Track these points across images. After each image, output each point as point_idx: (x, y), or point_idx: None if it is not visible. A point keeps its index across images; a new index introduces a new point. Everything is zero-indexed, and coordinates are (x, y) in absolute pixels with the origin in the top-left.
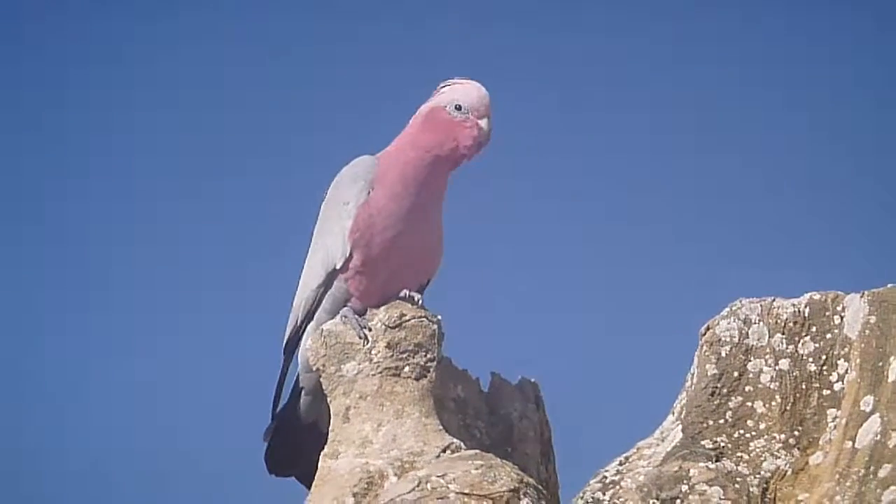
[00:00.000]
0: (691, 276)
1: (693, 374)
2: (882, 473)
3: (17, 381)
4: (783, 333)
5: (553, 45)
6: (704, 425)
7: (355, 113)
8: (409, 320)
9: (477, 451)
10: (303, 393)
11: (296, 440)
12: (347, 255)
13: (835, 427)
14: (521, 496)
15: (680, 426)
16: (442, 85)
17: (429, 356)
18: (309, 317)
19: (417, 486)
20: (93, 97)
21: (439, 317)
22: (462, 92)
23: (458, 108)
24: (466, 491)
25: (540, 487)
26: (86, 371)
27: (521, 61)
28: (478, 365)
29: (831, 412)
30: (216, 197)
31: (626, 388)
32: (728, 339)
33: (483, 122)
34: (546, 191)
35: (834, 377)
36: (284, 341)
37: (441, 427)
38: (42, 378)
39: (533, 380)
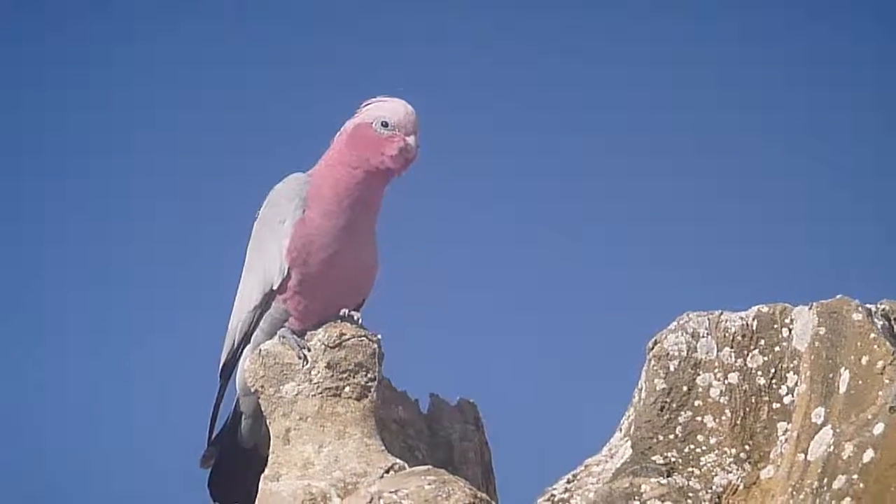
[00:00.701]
0: (636, 291)
1: (641, 389)
2: (836, 485)
3: (16, 380)
4: (731, 347)
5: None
6: (654, 440)
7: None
8: (349, 339)
9: (429, 466)
10: (242, 417)
11: (237, 466)
12: (285, 274)
13: (786, 440)
14: None
15: (629, 442)
16: (365, 102)
17: (370, 376)
18: (246, 339)
19: (370, 502)
20: (92, 97)
21: (379, 336)
22: (388, 109)
23: (385, 124)
24: None
25: (492, 502)
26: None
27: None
28: (414, 386)
29: (782, 425)
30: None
31: (571, 407)
32: (676, 353)
33: (410, 139)
34: (483, 202)
35: (783, 390)
36: (220, 365)
37: (384, 447)
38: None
39: (471, 400)
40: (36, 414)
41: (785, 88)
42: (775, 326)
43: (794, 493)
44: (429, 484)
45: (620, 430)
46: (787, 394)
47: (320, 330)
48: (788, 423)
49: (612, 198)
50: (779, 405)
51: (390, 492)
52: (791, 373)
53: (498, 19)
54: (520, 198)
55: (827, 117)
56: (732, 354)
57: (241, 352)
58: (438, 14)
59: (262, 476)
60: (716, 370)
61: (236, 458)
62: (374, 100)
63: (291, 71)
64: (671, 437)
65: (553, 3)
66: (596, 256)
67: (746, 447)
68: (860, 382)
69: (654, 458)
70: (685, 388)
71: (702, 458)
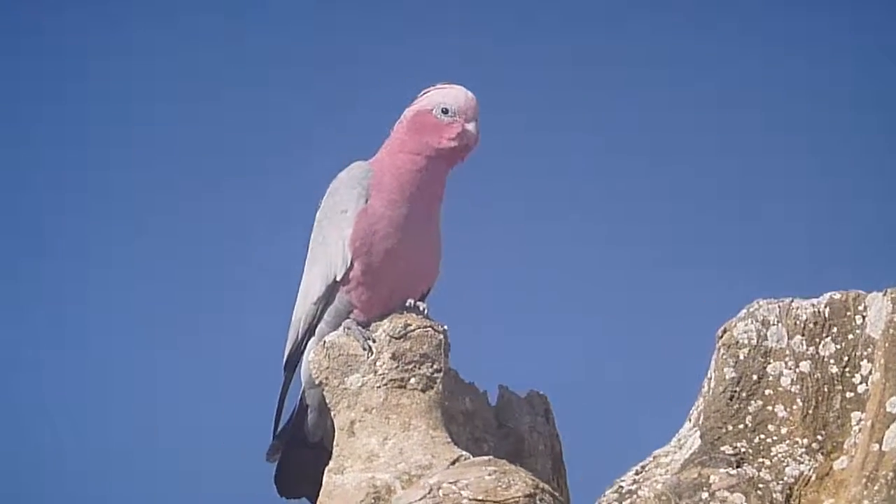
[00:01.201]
0: (705, 279)
1: (710, 379)
2: None
3: (16, 380)
4: (803, 335)
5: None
6: (723, 430)
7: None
8: (414, 330)
9: (490, 457)
10: (308, 410)
11: (304, 460)
12: (349, 265)
13: (859, 430)
14: (538, 501)
15: (698, 432)
16: (424, 90)
17: (435, 367)
18: (310, 331)
19: (429, 493)
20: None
21: (445, 326)
22: (448, 95)
23: (445, 111)
24: (480, 497)
25: (556, 494)
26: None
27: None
28: (482, 378)
29: (855, 415)
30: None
31: (640, 398)
32: (746, 342)
33: (471, 126)
34: (551, 193)
35: (857, 379)
36: (285, 358)
37: (450, 440)
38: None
39: (541, 392)
40: (94, 412)
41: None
42: (848, 314)
43: (869, 483)
44: (489, 474)
45: (690, 420)
46: (860, 382)
47: (385, 321)
48: (862, 412)
49: (684, 183)
50: (852, 394)
51: (450, 482)
52: (865, 361)
53: None
54: (588, 184)
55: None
56: (804, 342)
57: (306, 344)
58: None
59: (327, 469)
60: (787, 358)
61: (302, 451)
62: (433, 87)
63: (292, 70)
64: (741, 426)
65: None
66: (666, 244)
67: (819, 437)
68: None
69: (723, 448)
70: (755, 377)
71: (773, 449)
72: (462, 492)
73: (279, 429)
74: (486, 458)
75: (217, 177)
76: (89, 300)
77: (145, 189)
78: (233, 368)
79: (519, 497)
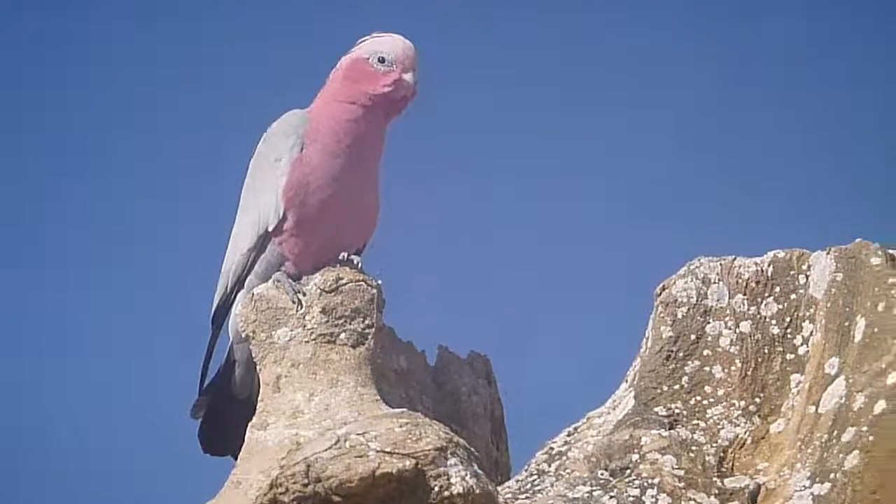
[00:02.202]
0: (645, 237)
1: (647, 338)
2: (845, 437)
3: (15, 381)
4: (744, 294)
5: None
6: (658, 391)
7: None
8: (346, 284)
9: (403, 409)
10: (235, 365)
11: (230, 417)
12: (281, 215)
13: (798, 393)
14: (449, 455)
15: (632, 393)
16: (361, 39)
17: (367, 322)
18: (239, 283)
19: (335, 444)
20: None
21: (379, 281)
22: (386, 44)
23: (382, 60)
24: (388, 449)
25: (472, 449)
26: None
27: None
28: (422, 340)
29: (795, 377)
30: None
31: (582, 361)
32: (685, 300)
33: (408, 76)
34: (494, 145)
35: (798, 340)
36: (213, 310)
37: (378, 398)
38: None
39: (483, 354)
40: (29, 366)
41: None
42: (791, 273)
43: (803, 446)
44: (400, 426)
45: (626, 381)
46: (801, 344)
47: (317, 274)
48: (802, 374)
49: (621, 131)
50: (793, 356)
51: (358, 434)
52: (807, 322)
53: None
54: (534, 136)
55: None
56: (745, 302)
57: (235, 297)
58: None
59: (250, 425)
60: (727, 318)
61: (229, 408)
62: (371, 35)
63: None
64: (676, 387)
65: None
66: (606, 198)
67: (757, 399)
68: (876, 330)
69: (656, 409)
70: (693, 337)
71: (708, 411)
72: (370, 443)
73: (205, 384)
74: (399, 410)
75: (217, 177)
76: (91, 299)
77: (145, 188)
78: (158, 321)
79: (429, 450)
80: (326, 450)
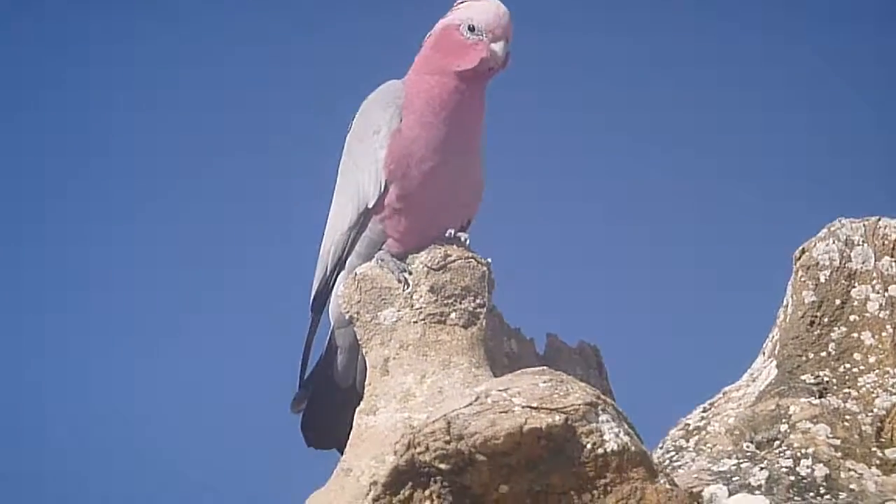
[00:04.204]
0: (778, 204)
1: (787, 305)
2: None
3: (16, 381)
4: (892, 256)
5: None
6: (804, 358)
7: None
8: (454, 261)
9: (544, 367)
10: (338, 352)
11: (334, 408)
12: (382, 190)
13: None
14: (600, 412)
15: (774, 362)
16: (458, 2)
17: (478, 301)
18: (340, 265)
19: (475, 400)
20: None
21: (489, 259)
22: (478, 10)
23: (472, 28)
24: (535, 405)
25: (620, 409)
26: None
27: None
28: (528, 327)
29: None
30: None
31: (699, 353)
32: (828, 263)
33: (497, 46)
34: (614, 125)
35: None
36: (312, 295)
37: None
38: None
39: (593, 344)
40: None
41: None
42: None
43: None
44: (544, 382)
45: (763, 353)
46: None
47: (423, 252)
48: None
49: (750, 107)
50: None
51: (499, 390)
52: None
53: None
54: (653, 115)
55: None
56: (893, 264)
57: (335, 280)
58: None
59: (357, 410)
60: (874, 282)
61: (332, 398)
62: None
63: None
64: (823, 354)
65: None
66: (730, 166)
67: None
68: None
69: (803, 377)
70: (838, 302)
71: (860, 379)
72: (513, 399)
73: (306, 376)
74: (539, 368)
75: (218, 177)
76: (91, 299)
77: (145, 187)
78: (254, 309)
79: (579, 405)
80: (467, 405)
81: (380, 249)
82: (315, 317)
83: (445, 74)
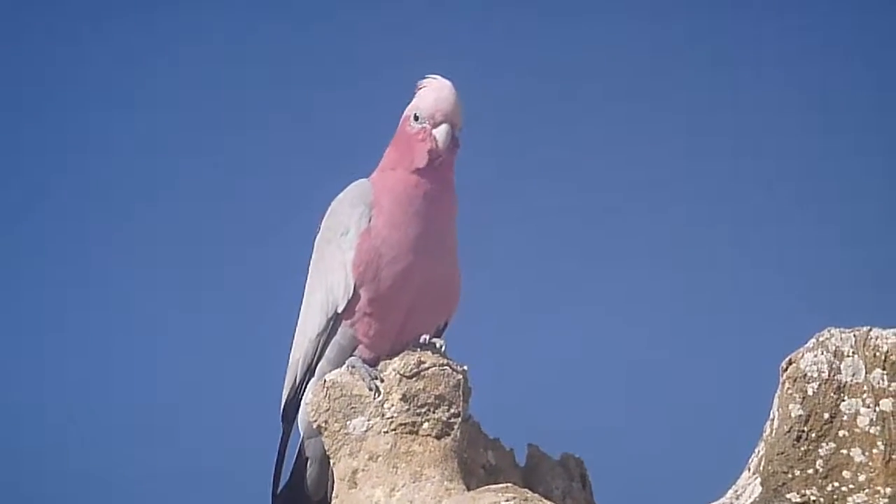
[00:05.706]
0: (765, 308)
1: (773, 419)
2: None
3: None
4: (884, 368)
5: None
6: (790, 476)
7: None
8: (428, 368)
9: (508, 484)
10: (308, 464)
11: None
12: (352, 293)
13: None
14: None
15: (758, 479)
16: (418, 84)
17: (452, 410)
18: (310, 372)
19: None
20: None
21: (465, 367)
22: (422, 95)
23: (416, 118)
24: None
25: None
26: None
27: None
28: (508, 435)
29: None
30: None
31: (686, 458)
32: (816, 375)
33: (438, 132)
34: (593, 219)
35: None
36: (282, 404)
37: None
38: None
39: (577, 456)
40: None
41: None
42: None
43: None
44: (506, 501)
45: (749, 469)
46: None
47: (395, 358)
48: None
49: (730, 199)
50: None
51: None
52: None
53: None
54: (633, 203)
55: None
56: (885, 377)
57: (305, 388)
58: None
59: None
60: (864, 395)
61: None
62: (423, 81)
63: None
64: (810, 471)
65: None
66: (716, 271)
67: None
68: None
69: (788, 495)
70: (827, 416)
71: (849, 498)
72: None
73: (279, 489)
74: (504, 485)
75: (218, 178)
76: (90, 300)
77: (146, 186)
78: (224, 419)
79: None
80: None
81: (351, 355)
82: (286, 426)
83: (406, 171)
